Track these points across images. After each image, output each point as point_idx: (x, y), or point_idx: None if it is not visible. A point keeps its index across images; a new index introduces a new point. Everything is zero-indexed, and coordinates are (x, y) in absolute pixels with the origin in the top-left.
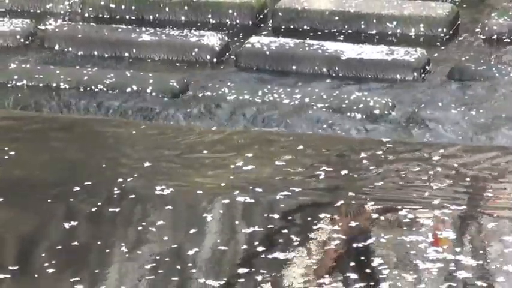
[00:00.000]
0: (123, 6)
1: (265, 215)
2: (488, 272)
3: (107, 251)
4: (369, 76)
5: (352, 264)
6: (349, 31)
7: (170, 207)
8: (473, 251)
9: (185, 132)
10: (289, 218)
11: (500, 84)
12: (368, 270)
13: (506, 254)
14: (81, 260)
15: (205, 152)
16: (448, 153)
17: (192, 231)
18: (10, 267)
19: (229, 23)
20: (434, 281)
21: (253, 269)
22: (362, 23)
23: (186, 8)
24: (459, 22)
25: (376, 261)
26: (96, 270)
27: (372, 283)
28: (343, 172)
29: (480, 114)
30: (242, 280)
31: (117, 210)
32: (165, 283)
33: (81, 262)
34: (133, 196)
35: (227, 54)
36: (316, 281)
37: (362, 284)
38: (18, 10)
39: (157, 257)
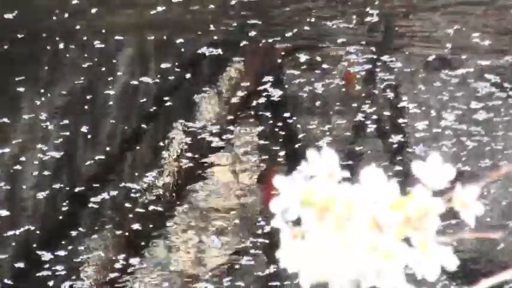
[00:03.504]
0: None
1: (178, 54)
2: (401, 107)
3: (20, 89)
4: None
5: (262, 101)
6: None
7: (80, 46)
8: (384, 87)
9: None
10: (201, 57)
11: None
12: (279, 114)
13: (419, 90)
14: None
15: None
16: None
17: (103, 69)
18: None
19: None
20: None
21: (161, 111)
22: None
23: None
24: None
25: (288, 99)
26: (10, 108)
27: (279, 120)
28: (255, 11)
29: None
30: (151, 121)
31: (27, 50)
32: (77, 118)
33: None
34: (44, 35)
35: None
36: (225, 120)
37: (271, 118)
38: None
39: (69, 97)
